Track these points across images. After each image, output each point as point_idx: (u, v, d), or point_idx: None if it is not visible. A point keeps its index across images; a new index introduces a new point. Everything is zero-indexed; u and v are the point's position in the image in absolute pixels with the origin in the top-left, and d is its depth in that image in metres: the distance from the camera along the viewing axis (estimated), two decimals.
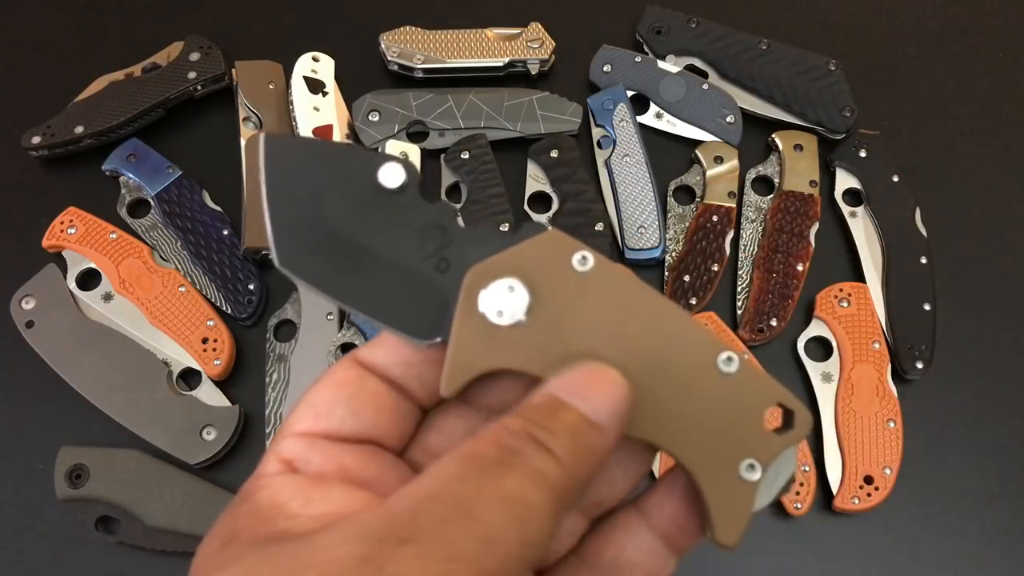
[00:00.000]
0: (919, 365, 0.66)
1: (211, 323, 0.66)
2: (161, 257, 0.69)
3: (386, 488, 0.25)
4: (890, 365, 0.65)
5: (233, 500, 0.26)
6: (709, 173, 0.72)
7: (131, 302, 0.66)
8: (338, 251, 0.27)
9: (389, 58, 0.75)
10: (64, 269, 0.67)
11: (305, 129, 0.71)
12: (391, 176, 0.27)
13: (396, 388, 0.28)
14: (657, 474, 0.60)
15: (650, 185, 0.71)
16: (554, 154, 0.71)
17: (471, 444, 0.24)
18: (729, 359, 0.26)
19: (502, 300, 0.26)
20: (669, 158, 0.74)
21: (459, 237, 0.27)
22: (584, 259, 0.26)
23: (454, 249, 0.27)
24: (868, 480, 0.62)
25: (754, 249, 0.71)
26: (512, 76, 0.77)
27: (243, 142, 0.71)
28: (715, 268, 0.69)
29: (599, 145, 0.73)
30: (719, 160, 0.73)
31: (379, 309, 0.27)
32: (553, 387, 0.25)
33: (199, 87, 0.73)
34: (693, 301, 0.68)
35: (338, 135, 0.72)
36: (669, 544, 0.28)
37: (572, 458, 0.24)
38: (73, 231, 0.68)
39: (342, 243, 0.27)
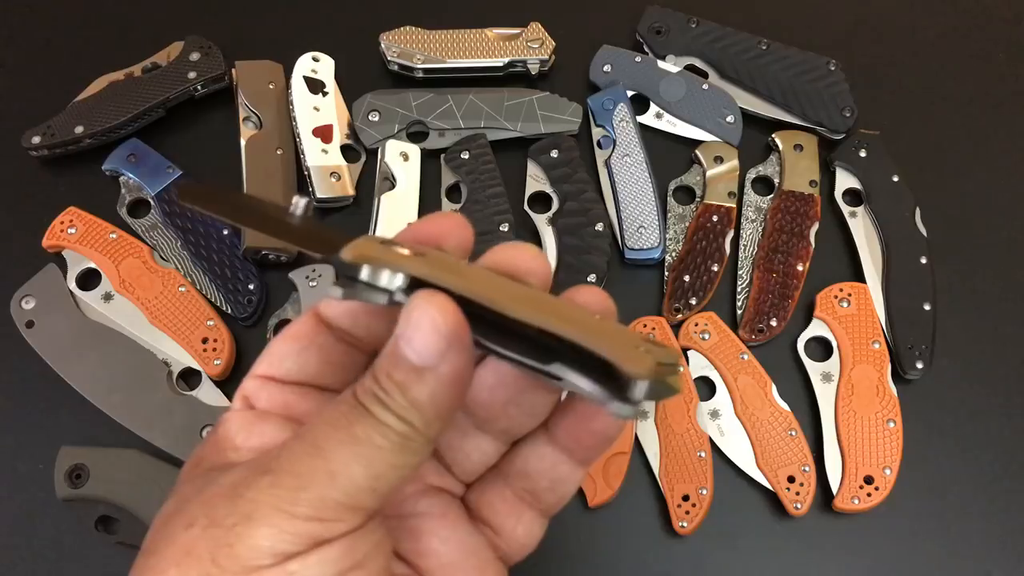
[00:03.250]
0: (919, 365, 0.66)
1: (211, 323, 0.66)
2: (161, 257, 0.69)
3: None
4: (890, 365, 0.65)
5: (212, 428, 0.32)
6: (709, 173, 0.72)
7: (131, 302, 0.66)
8: None
9: (389, 58, 0.75)
10: (64, 269, 0.67)
11: (305, 129, 0.71)
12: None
13: (345, 337, 0.32)
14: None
15: (650, 185, 0.71)
16: (554, 154, 0.71)
17: (332, 402, 0.28)
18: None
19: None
20: (669, 158, 0.74)
21: None
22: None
23: None
24: (868, 480, 0.62)
25: (754, 249, 0.71)
26: (512, 76, 0.77)
27: (243, 142, 0.71)
28: (715, 268, 0.69)
29: (599, 145, 0.73)
30: (719, 160, 0.73)
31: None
32: (398, 332, 0.27)
33: (199, 87, 0.73)
34: (693, 301, 0.68)
35: (338, 135, 0.72)
36: (569, 454, 0.32)
37: (409, 411, 0.26)
38: (73, 231, 0.68)
39: None
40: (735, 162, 0.73)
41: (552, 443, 0.32)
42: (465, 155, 0.71)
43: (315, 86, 0.73)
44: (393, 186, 0.70)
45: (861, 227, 0.71)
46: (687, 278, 0.69)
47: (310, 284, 0.66)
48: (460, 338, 0.26)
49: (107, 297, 0.66)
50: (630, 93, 0.75)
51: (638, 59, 0.76)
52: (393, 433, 0.26)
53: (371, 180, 0.71)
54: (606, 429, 0.31)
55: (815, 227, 0.70)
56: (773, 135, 0.74)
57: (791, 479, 0.62)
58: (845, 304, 0.67)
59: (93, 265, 0.67)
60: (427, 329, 0.26)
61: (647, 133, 0.74)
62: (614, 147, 0.72)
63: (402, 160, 0.71)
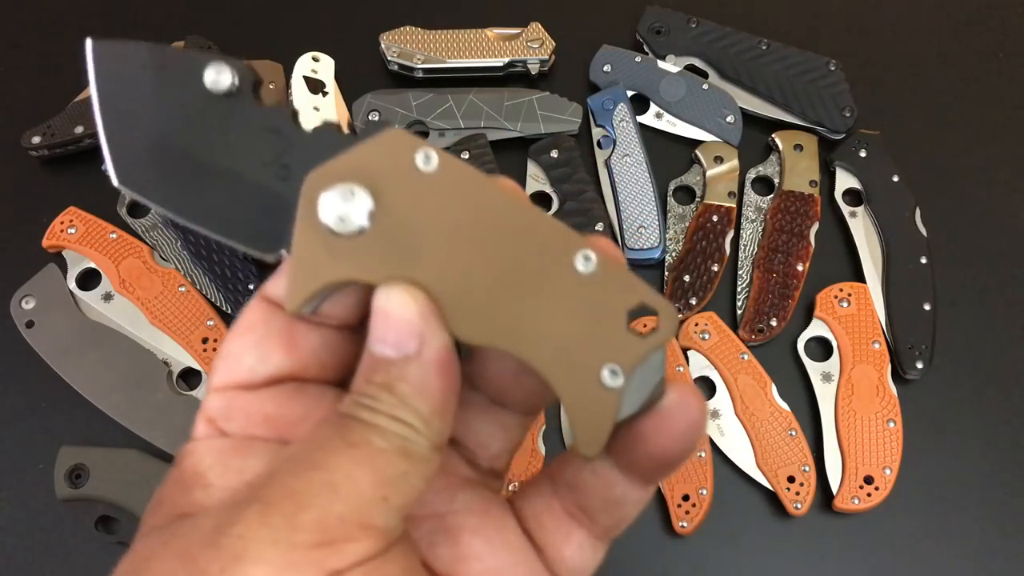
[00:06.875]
0: (919, 365, 0.66)
1: (211, 323, 0.66)
2: (161, 257, 0.69)
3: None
4: (890, 365, 0.65)
5: (173, 462, 0.26)
6: (709, 173, 0.72)
7: (131, 302, 0.66)
8: (176, 164, 0.25)
9: (389, 58, 0.75)
10: (64, 269, 0.67)
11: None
12: (217, 80, 0.25)
13: (305, 316, 0.26)
14: None
15: (650, 185, 0.71)
16: (554, 154, 0.71)
17: (314, 426, 0.24)
18: (587, 257, 0.24)
19: (342, 206, 0.24)
20: (669, 158, 0.74)
21: (299, 142, 0.25)
22: (427, 157, 0.24)
23: (294, 154, 0.25)
24: (868, 480, 0.62)
25: (754, 249, 0.71)
26: (512, 76, 0.77)
27: None
28: (715, 268, 0.69)
29: (599, 145, 0.73)
30: (719, 160, 0.73)
31: (220, 223, 0.26)
32: (369, 340, 0.24)
33: None
34: (693, 301, 0.68)
35: None
36: (626, 472, 0.26)
37: (401, 408, 0.23)
38: (73, 231, 0.68)
39: (179, 155, 0.25)
40: (735, 162, 0.73)
41: (607, 456, 0.26)
42: (465, 155, 0.71)
43: (315, 86, 0.73)
44: None
45: (861, 227, 0.71)
46: (687, 278, 0.69)
47: None
48: (433, 318, 0.24)
49: (107, 297, 0.66)
50: (630, 93, 0.75)
51: (638, 59, 0.76)
52: (390, 434, 0.23)
53: None
54: (667, 454, 0.25)
55: (815, 227, 0.70)
56: (773, 135, 0.74)
57: (791, 479, 0.62)
58: (845, 304, 0.67)
59: (93, 265, 0.67)
60: (396, 318, 0.23)
61: (647, 133, 0.74)
62: (614, 147, 0.72)
63: None
